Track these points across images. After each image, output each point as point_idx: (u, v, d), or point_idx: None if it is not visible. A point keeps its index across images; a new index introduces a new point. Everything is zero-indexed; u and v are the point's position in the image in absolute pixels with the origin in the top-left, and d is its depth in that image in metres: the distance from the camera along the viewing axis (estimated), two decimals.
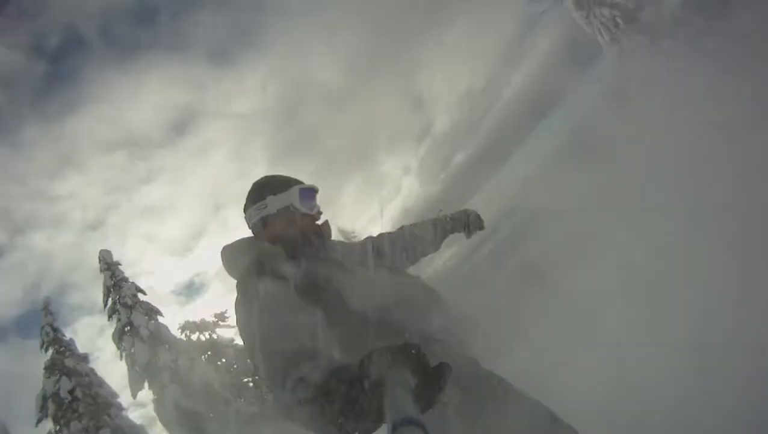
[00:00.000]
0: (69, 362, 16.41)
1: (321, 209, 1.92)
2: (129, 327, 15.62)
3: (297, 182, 1.91)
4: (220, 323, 19.27)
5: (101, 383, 16.26)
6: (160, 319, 16.29)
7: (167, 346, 15.25)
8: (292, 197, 1.84)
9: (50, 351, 16.55)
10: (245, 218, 1.93)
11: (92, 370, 16.74)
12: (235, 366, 18.20)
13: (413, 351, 0.95)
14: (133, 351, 15.27)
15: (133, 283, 16.68)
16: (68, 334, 16.87)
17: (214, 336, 18.66)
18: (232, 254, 1.87)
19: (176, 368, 14.77)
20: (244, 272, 1.71)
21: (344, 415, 0.97)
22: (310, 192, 1.89)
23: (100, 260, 17.08)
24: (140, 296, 16.42)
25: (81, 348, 16.65)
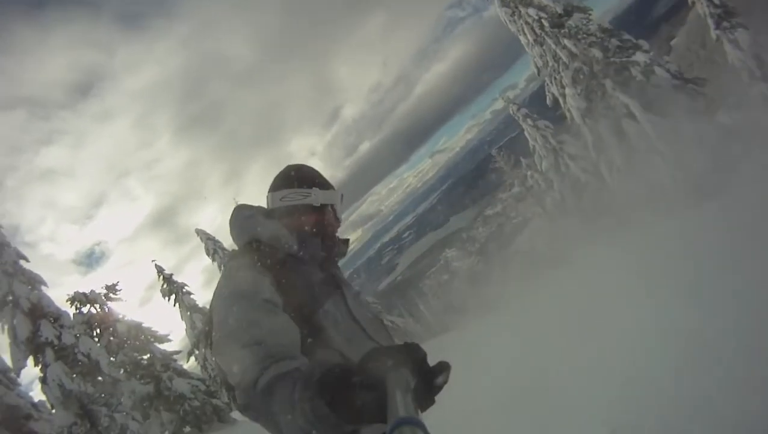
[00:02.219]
0: None
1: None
2: (10, 297, 14.63)
3: (329, 184, 1.90)
4: (111, 296, 18.81)
5: None
6: (44, 289, 15.37)
7: (51, 319, 14.46)
8: (336, 197, 1.83)
9: None
10: (274, 197, 1.78)
11: None
12: (127, 343, 17.76)
13: (413, 351, 0.96)
14: (14, 323, 14.35)
15: (14, 248, 15.51)
16: None
17: (105, 310, 18.16)
18: (251, 218, 1.74)
19: (61, 344, 14.10)
20: (254, 249, 1.61)
21: (343, 415, 0.96)
22: (343, 200, 1.90)
23: None
24: (22, 263, 15.32)
25: None
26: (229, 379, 1.33)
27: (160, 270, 21.09)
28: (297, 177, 1.79)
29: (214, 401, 17.42)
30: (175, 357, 18.57)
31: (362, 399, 0.92)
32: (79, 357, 14.37)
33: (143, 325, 18.78)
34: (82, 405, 13.73)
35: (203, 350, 19.30)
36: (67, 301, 17.68)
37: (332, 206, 1.81)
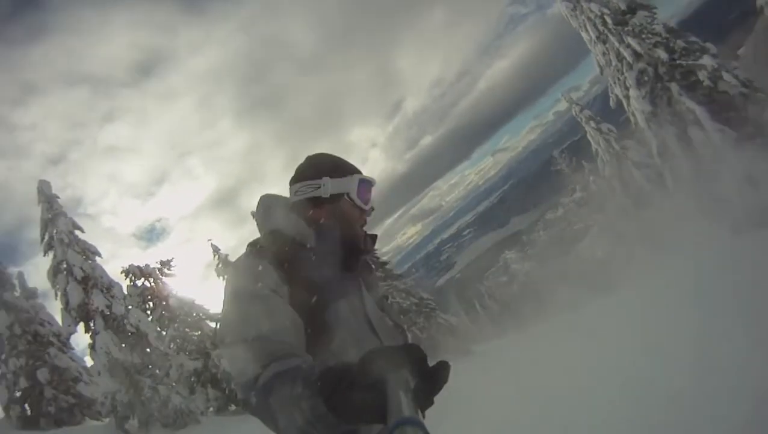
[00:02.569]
0: (8, 296, 15.93)
1: (374, 206, 1.76)
2: (64, 265, 14.93)
3: (356, 170, 1.75)
4: (166, 271, 19.09)
5: (43, 321, 15.91)
6: (98, 260, 15.71)
7: (103, 289, 14.63)
8: (350, 184, 1.69)
9: None
10: (290, 191, 1.72)
11: (41, 307, 16.52)
12: (179, 318, 17.87)
13: (413, 351, 0.96)
14: (67, 290, 14.65)
15: (70, 219, 15.89)
16: (26, 269, 16.38)
17: (159, 284, 18.40)
18: (270, 209, 1.71)
19: (111, 313, 14.25)
20: (270, 241, 1.57)
21: (342, 414, 0.96)
22: (367, 185, 1.74)
23: (38, 192, 16.17)
24: (78, 233, 15.68)
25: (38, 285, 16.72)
26: (231, 373, 1.32)
27: (215, 250, 21.30)
28: (308, 168, 1.72)
29: None
30: None
31: (361, 399, 0.93)
32: (128, 327, 14.54)
33: (196, 302, 18.89)
34: (127, 373, 13.81)
35: None
36: (121, 273, 18.20)
37: (348, 195, 1.67)
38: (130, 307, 15.11)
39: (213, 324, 18.34)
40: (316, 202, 1.65)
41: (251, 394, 1.19)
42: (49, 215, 15.80)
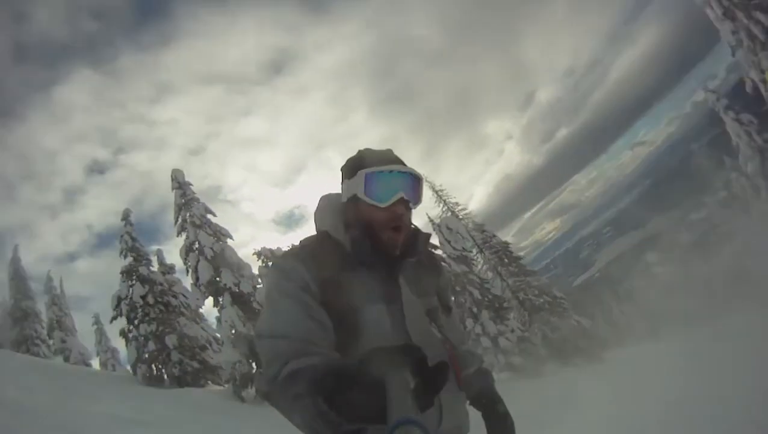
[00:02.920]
0: (143, 270, 17.92)
1: (411, 199, 1.57)
2: (196, 245, 16.56)
3: (375, 162, 1.59)
4: None
5: (177, 294, 17.68)
6: (229, 241, 17.28)
7: (232, 269, 16.07)
8: (357, 183, 1.56)
9: (128, 258, 18.14)
10: None
11: (176, 281, 18.37)
12: None
13: (413, 351, 1.00)
14: (198, 267, 16.35)
15: (203, 204, 17.56)
16: (166, 248, 18.02)
17: None
18: (320, 210, 1.73)
19: (239, 291, 15.60)
20: (313, 241, 1.63)
21: (344, 413, 1.00)
22: (381, 178, 1.55)
23: (172, 179, 18.05)
24: (209, 217, 17.31)
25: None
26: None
27: None
28: (342, 169, 1.68)
29: None
30: None
31: (362, 399, 0.94)
32: (254, 304, 15.84)
33: None
34: (250, 347, 14.98)
35: None
36: (253, 255, 19.36)
37: (358, 195, 1.56)
38: (256, 286, 16.35)
39: None
40: (345, 207, 1.63)
41: (272, 389, 1.27)
42: (183, 201, 17.63)
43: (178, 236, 17.42)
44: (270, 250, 19.30)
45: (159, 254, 19.64)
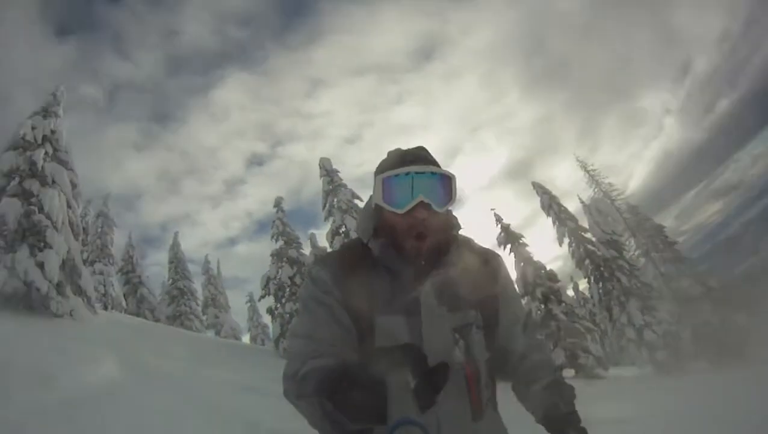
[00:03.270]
0: (293, 252, 18.84)
1: (433, 201, 1.37)
2: (342, 229, 16.97)
3: (392, 164, 1.45)
4: None
5: None
6: None
7: None
8: (376, 191, 1.43)
9: (279, 242, 19.22)
10: None
11: None
12: None
13: (413, 352, 1.07)
14: None
15: (350, 189, 17.97)
16: (321, 233, 18.80)
17: None
18: (360, 216, 1.62)
19: None
20: (351, 244, 1.57)
21: (347, 413, 1.01)
22: (397, 182, 1.39)
23: (320, 167, 18.75)
24: (356, 202, 17.68)
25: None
26: None
27: (498, 219, 21.62)
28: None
29: None
30: None
31: (363, 399, 0.96)
32: None
33: None
34: None
35: (532, 301, 19.32)
36: None
37: (378, 202, 1.43)
38: None
39: None
40: (377, 211, 1.49)
41: (288, 387, 1.28)
42: (330, 187, 18.15)
43: (325, 220, 17.99)
44: None
45: (312, 238, 20.60)
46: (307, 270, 1.66)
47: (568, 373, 17.89)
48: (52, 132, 13.87)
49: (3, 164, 12.69)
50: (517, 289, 1.73)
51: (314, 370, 1.20)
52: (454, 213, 1.55)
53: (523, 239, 21.32)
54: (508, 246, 21.09)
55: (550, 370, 1.53)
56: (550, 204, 21.95)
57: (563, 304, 19.36)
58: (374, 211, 1.48)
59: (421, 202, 1.35)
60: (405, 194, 1.37)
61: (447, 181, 1.40)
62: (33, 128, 13.39)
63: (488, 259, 1.57)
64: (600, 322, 21.44)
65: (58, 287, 11.70)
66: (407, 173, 1.37)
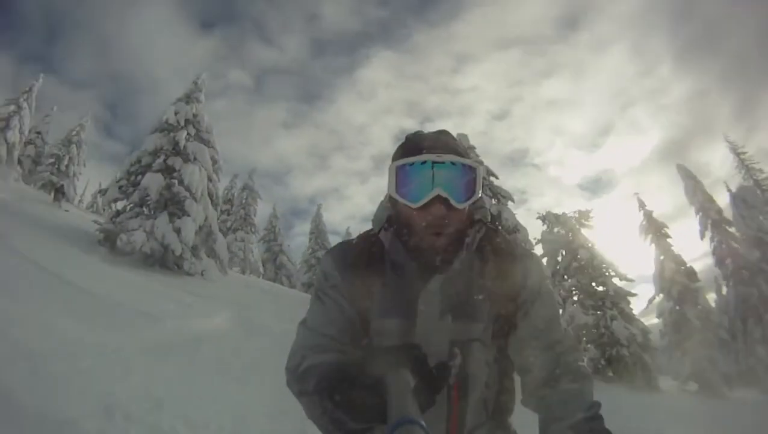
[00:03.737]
0: None
1: (453, 196, 1.18)
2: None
3: (409, 150, 1.25)
4: (583, 222, 18.68)
5: None
6: (510, 205, 16.74)
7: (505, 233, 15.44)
8: (390, 180, 1.25)
9: None
10: None
11: None
12: (587, 270, 17.23)
13: (413, 351, 1.02)
14: None
15: (485, 167, 17.24)
16: None
17: (571, 234, 18.08)
18: (379, 206, 1.45)
19: None
20: (362, 236, 1.41)
21: (345, 414, 0.99)
22: (412, 172, 1.21)
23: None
24: (492, 179, 16.97)
25: None
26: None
27: (641, 205, 20.19)
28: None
29: (645, 356, 15.46)
30: (630, 298, 16.96)
31: (363, 399, 0.95)
32: None
33: (607, 257, 17.92)
34: None
35: (667, 300, 17.88)
36: (537, 218, 19.00)
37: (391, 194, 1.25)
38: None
39: (618, 282, 17.18)
40: (392, 202, 1.33)
41: (289, 379, 1.23)
42: None
43: None
44: (554, 215, 18.65)
45: None
46: (321, 259, 1.44)
47: (691, 387, 16.71)
48: (194, 116, 15.64)
49: (148, 144, 14.67)
50: (553, 298, 1.37)
51: (314, 367, 1.17)
52: (481, 200, 1.34)
53: (665, 229, 19.24)
54: (649, 236, 19.30)
55: (584, 405, 1.22)
56: (694, 191, 19.52)
57: (699, 307, 17.32)
58: (390, 202, 1.35)
59: (439, 196, 1.18)
60: (421, 186, 1.21)
61: (470, 172, 1.22)
62: (176, 113, 15.18)
63: (516, 258, 1.31)
64: (735, 333, 18.48)
65: (193, 250, 13.39)
66: (424, 162, 1.20)
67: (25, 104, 27.21)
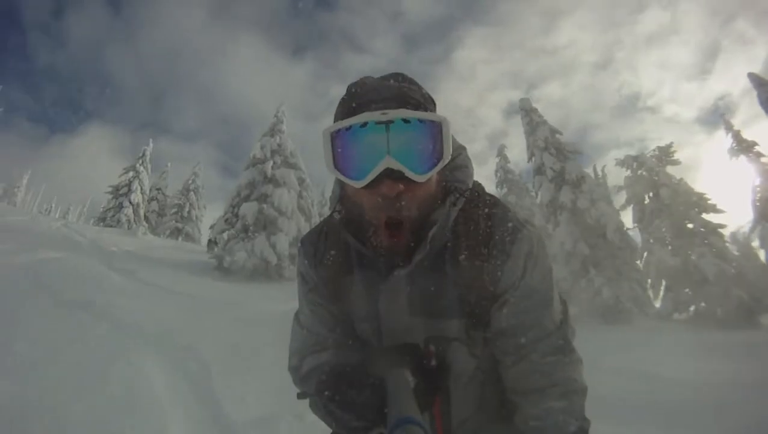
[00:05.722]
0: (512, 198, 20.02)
1: (409, 165, 0.96)
2: (543, 168, 17.15)
3: (347, 109, 1.03)
4: (664, 159, 18.29)
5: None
6: (578, 158, 17.20)
7: (571, 184, 16.17)
8: (325, 152, 1.01)
9: (503, 190, 20.80)
10: None
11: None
12: (674, 209, 16.68)
13: (413, 351, 1.00)
14: (540, 188, 17.12)
15: (549, 126, 17.77)
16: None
17: (654, 173, 17.69)
18: (334, 185, 1.25)
19: (575, 207, 15.63)
20: (313, 236, 1.31)
21: (346, 414, 0.97)
22: (350, 139, 0.98)
23: (520, 108, 18.82)
24: (558, 137, 17.53)
25: None
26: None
27: (728, 126, 19.16)
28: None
29: (738, 292, 14.41)
30: (722, 231, 16.14)
31: (362, 399, 0.94)
32: (588, 220, 15.44)
33: (695, 190, 17.18)
34: (582, 262, 15.13)
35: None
36: (616, 165, 18.77)
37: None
38: (595, 200, 15.75)
39: (708, 217, 16.37)
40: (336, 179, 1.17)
41: (294, 378, 1.26)
42: (529, 127, 18.27)
43: (528, 162, 18.17)
44: (633, 157, 18.18)
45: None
46: (298, 251, 1.34)
47: None
48: (279, 145, 18.49)
49: (243, 179, 17.82)
50: (544, 286, 1.13)
51: (315, 369, 1.16)
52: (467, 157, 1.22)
53: (757, 147, 17.91)
54: (741, 158, 18.13)
55: (568, 428, 1.10)
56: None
57: None
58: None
59: (389, 169, 0.95)
60: (364, 156, 0.96)
61: (432, 130, 0.97)
62: (262, 147, 18.21)
63: (500, 240, 1.10)
64: None
65: (291, 258, 16.13)
66: (363, 124, 0.95)
67: (141, 168, 32.49)
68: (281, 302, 9.53)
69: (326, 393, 1.00)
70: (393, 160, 0.94)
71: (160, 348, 5.31)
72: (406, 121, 0.94)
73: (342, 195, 1.13)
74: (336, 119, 1.02)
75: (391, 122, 0.94)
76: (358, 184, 0.97)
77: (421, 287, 1.11)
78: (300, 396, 1.15)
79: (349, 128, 0.96)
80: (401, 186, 0.96)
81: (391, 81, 1.04)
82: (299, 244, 1.31)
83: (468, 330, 1.12)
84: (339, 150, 0.99)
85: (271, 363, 4.75)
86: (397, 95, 0.99)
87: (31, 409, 3.47)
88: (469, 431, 1.24)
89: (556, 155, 17.00)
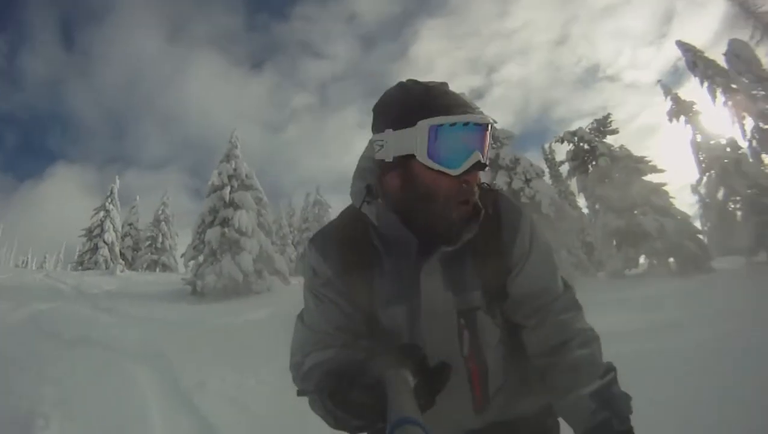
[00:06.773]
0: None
1: (482, 160, 1.13)
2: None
3: (442, 107, 1.11)
4: (602, 129, 19.45)
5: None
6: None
7: (506, 170, 17.39)
8: (416, 138, 1.11)
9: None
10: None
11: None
12: (616, 175, 17.92)
13: (413, 351, 1.01)
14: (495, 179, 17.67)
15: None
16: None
17: (589, 146, 18.87)
18: (357, 171, 1.32)
19: (508, 189, 16.83)
20: (344, 215, 1.36)
21: (345, 414, 1.00)
22: (453, 134, 1.10)
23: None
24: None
25: None
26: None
27: (666, 91, 20.13)
28: (375, 113, 1.25)
29: (687, 243, 15.97)
30: (665, 189, 17.54)
31: (362, 398, 0.96)
32: (524, 199, 16.37)
33: (634, 155, 18.36)
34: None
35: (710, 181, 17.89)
36: (555, 141, 20.03)
37: (417, 155, 1.12)
38: (530, 178, 16.84)
39: (647, 179, 17.75)
40: (382, 168, 1.22)
41: (294, 376, 1.27)
42: None
43: None
44: (572, 133, 19.21)
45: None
46: (306, 257, 1.35)
47: (761, 257, 16.13)
48: (234, 170, 20.04)
49: (205, 206, 19.44)
50: (549, 256, 1.33)
51: (316, 367, 1.18)
52: None
53: (696, 106, 19.18)
54: (681, 119, 19.42)
55: (598, 371, 1.21)
56: (694, 62, 19.25)
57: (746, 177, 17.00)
58: (374, 168, 1.26)
59: (478, 162, 1.12)
60: (461, 150, 1.11)
61: (488, 132, 1.15)
62: (219, 174, 19.74)
63: (508, 219, 1.29)
64: None
65: (257, 273, 17.81)
66: (466, 123, 1.10)
67: (111, 206, 34.09)
68: (235, 315, 11.58)
69: (326, 391, 1.03)
70: (479, 154, 1.11)
71: (142, 360, 6.95)
72: (478, 125, 1.11)
73: (369, 187, 1.25)
74: (416, 118, 1.11)
75: (487, 124, 1.12)
76: (454, 172, 1.11)
77: (450, 265, 1.22)
78: (300, 393, 1.18)
79: (453, 124, 1.09)
80: (476, 176, 1.18)
81: (450, 90, 1.19)
82: (309, 242, 1.35)
83: (488, 302, 1.25)
84: (437, 142, 1.10)
85: (220, 359, 6.78)
86: (469, 101, 1.17)
87: None
88: (502, 400, 1.32)
89: (492, 143, 18.04)
